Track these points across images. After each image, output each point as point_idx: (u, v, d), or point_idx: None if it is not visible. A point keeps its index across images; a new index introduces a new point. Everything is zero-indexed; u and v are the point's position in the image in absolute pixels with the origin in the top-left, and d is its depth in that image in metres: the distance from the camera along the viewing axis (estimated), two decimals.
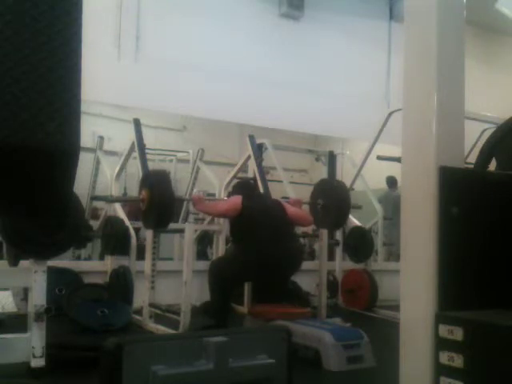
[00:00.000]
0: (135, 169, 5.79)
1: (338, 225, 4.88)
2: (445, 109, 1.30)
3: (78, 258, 6.18)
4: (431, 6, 1.32)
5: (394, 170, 6.64)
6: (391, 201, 7.76)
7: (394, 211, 7.41)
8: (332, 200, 4.67)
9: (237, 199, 4.15)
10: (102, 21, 6.81)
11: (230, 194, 4.50)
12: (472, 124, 4.30)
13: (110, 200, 5.10)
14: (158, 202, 3.91)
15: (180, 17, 7.68)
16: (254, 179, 5.39)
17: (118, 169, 5.20)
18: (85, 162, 5.90)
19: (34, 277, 2.82)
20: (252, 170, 5.53)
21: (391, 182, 8.18)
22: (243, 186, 4.51)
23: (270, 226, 4.03)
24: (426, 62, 1.32)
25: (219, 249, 5.19)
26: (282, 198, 5.16)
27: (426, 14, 1.35)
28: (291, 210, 4.30)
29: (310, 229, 7.27)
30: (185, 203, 6.33)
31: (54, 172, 0.77)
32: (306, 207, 5.05)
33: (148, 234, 4.49)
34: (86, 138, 5.76)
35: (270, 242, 3.96)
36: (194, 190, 6.46)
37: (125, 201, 4.64)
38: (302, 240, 7.65)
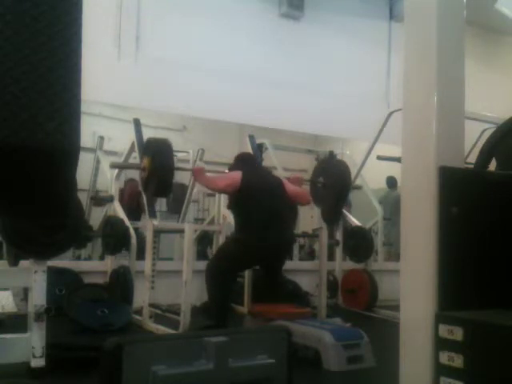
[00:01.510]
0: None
1: (338, 204, 4.76)
2: (445, 109, 1.30)
3: (78, 258, 6.19)
4: (431, 6, 1.32)
5: (394, 170, 6.63)
6: (391, 201, 7.77)
7: (392, 211, 7.42)
8: (333, 179, 4.57)
9: (236, 175, 4.07)
10: (101, 21, 6.80)
11: (230, 167, 4.37)
12: (472, 124, 4.29)
13: (109, 200, 5.10)
14: (159, 171, 3.92)
15: (180, 17, 7.68)
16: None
17: (118, 169, 5.20)
18: (85, 162, 5.91)
19: (34, 277, 2.81)
20: None
21: (391, 182, 8.19)
22: (244, 159, 4.40)
23: (268, 206, 3.98)
24: (426, 62, 1.32)
25: None
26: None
27: (426, 14, 1.35)
28: (291, 188, 4.23)
29: (309, 229, 7.30)
30: (185, 204, 6.33)
31: (54, 172, 0.77)
32: (306, 187, 4.93)
33: (148, 234, 4.49)
34: (86, 138, 5.76)
35: (267, 225, 3.94)
36: (194, 190, 6.46)
37: (126, 167, 4.58)
38: (302, 240, 7.68)
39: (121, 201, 5.29)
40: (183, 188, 6.62)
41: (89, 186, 5.87)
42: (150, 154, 4.04)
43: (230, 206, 4.30)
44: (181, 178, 6.45)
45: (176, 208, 6.85)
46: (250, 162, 4.37)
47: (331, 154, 6.76)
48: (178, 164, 7.83)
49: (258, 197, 4.00)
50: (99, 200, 5.74)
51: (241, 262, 4.11)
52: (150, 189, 4.12)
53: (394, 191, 8.09)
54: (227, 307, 4.14)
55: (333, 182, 4.56)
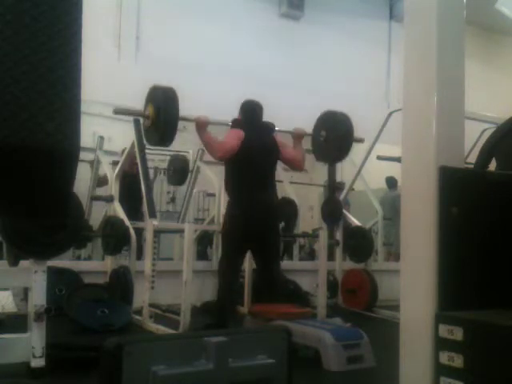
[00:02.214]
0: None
1: (339, 157, 4.62)
2: (445, 109, 1.30)
3: (78, 258, 6.19)
4: (431, 6, 1.32)
5: (394, 170, 6.63)
6: (390, 201, 7.77)
7: (391, 211, 7.42)
8: (335, 131, 4.40)
9: (237, 140, 3.97)
10: (101, 21, 6.81)
11: (233, 121, 4.23)
12: (472, 124, 4.29)
13: (109, 200, 5.10)
14: (164, 118, 3.78)
15: (180, 17, 7.68)
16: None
17: (117, 169, 5.20)
18: (85, 162, 5.91)
19: (34, 277, 2.81)
20: None
21: (391, 182, 8.19)
22: (247, 113, 4.26)
23: (260, 172, 4.01)
24: (426, 62, 1.32)
25: (219, 249, 5.19)
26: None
27: (426, 14, 1.35)
28: (287, 153, 4.19)
29: (309, 229, 7.30)
30: (184, 204, 6.33)
31: (54, 172, 0.78)
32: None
33: (148, 234, 4.49)
34: (86, 138, 5.76)
35: (257, 189, 3.97)
36: (194, 190, 6.46)
37: (129, 114, 4.47)
38: (302, 240, 7.68)
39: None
40: (184, 160, 6.64)
41: (89, 186, 5.87)
42: (155, 102, 3.88)
43: (225, 163, 4.22)
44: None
45: (176, 180, 6.85)
46: (254, 117, 4.22)
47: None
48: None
49: (253, 164, 3.98)
50: (101, 182, 5.77)
51: (238, 232, 4.00)
52: (154, 138, 3.97)
53: (393, 191, 8.08)
54: (229, 306, 4.12)
55: (335, 134, 4.39)
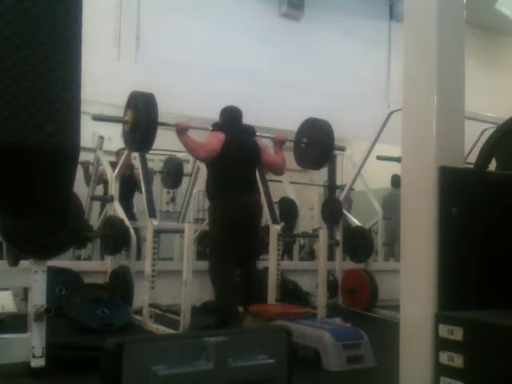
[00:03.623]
0: None
1: (320, 163, 4.73)
2: (445, 109, 1.30)
3: (78, 258, 6.18)
4: (431, 6, 1.32)
5: (394, 170, 6.63)
6: (396, 200, 7.73)
7: (395, 211, 7.40)
8: (316, 138, 4.54)
9: (218, 141, 4.06)
10: (101, 21, 6.81)
11: (215, 124, 4.32)
12: (472, 124, 4.29)
13: (109, 200, 5.10)
14: (142, 124, 3.82)
15: (180, 17, 7.68)
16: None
17: (117, 169, 5.20)
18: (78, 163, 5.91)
19: (34, 277, 2.81)
20: None
21: (397, 181, 8.14)
22: (228, 117, 4.32)
23: (242, 174, 4.09)
24: (426, 62, 1.32)
25: None
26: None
27: (426, 14, 1.35)
28: (268, 157, 4.28)
29: (309, 229, 7.30)
30: (184, 204, 6.33)
31: (54, 172, 0.78)
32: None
33: (148, 234, 4.49)
34: (86, 138, 5.76)
35: (239, 191, 4.05)
36: (194, 190, 6.45)
37: (108, 120, 4.52)
38: (302, 240, 7.68)
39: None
40: (179, 163, 6.64)
41: (89, 185, 5.87)
42: (134, 107, 3.93)
43: (207, 166, 4.33)
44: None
45: (170, 184, 6.86)
46: (234, 121, 4.30)
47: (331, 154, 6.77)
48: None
49: (235, 164, 4.06)
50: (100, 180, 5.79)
51: (223, 228, 4.06)
52: (133, 143, 4.02)
53: (398, 190, 8.05)
54: (229, 304, 4.11)
55: (316, 141, 4.53)
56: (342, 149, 5.07)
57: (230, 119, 4.31)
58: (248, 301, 4.10)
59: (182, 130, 4.08)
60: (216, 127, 4.27)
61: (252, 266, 4.26)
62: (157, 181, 7.35)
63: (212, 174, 4.24)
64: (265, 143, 4.47)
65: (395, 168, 5.80)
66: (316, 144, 4.51)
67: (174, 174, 6.68)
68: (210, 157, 4.07)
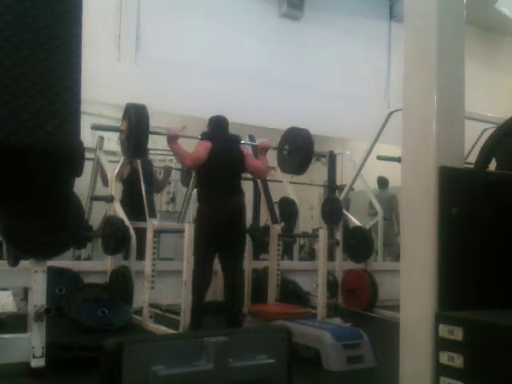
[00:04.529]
0: None
1: (301, 169, 5.14)
2: (445, 109, 1.30)
3: (78, 258, 6.18)
4: (431, 6, 1.32)
5: (394, 169, 6.62)
6: (385, 201, 7.73)
7: (387, 211, 7.41)
8: (297, 146, 4.99)
9: (205, 150, 4.34)
10: (101, 21, 6.81)
11: (203, 134, 4.64)
12: (472, 124, 4.29)
13: (109, 200, 5.10)
14: (135, 132, 4.25)
15: (180, 17, 7.68)
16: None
17: (117, 169, 5.20)
18: (85, 162, 5.89)
19: (34, 277, 2.81)
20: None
21: (382, 182, 8.15)
22: (215, 127, 4.59)
23: (226, 180, 4.39)
24: (426, 62, 1.32)
25: None
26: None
27: (426, 14, 1.35)
28: (251, 163, 4.53)
29: (309, 229, 7.30)
30: (184, 204, 6.32)
31: (54, 172, 0.77)
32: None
33: (148, 234, 4.49)
34: (86, 138, 5.76)
35: (223, 195, 4.34)
36: (195, 190, 6.44)
37: (107, 129, 5.00)
38: (302, 240, 7.68)
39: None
40: None
41: (89, 186, 5.86)
42: (128, 118, 4.36)
43: (195, 172, 4.70)
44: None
45: (187, 181, 6.88)
46: (221, 130, 4.59)
47: (331, 154, 6.79)
48: (177, 164, 7.82)
49: (220, 170, 4.36)
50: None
51: (206, 228, 4.23)
52: (128, 150, 4.43)
53: (384, 191, 8.06)
54: (198, 310, 4.14)
55: (297, 148, 5.00)
56: (323, 155, 5.57)
57: (217, 128, 4.62)
58: (233, 302, 4.17)
59: (171, 138, 4.37)
60: (204, 136, 4.60)
61: (236, 267, 4.42)
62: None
63: (199, 179, 4.58)
64: (248, 150, 4.78)
65: (395, 168, 5.80)
66: (297, 151, 4.97)
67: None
68: (196, 164, 4.38)
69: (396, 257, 7.17)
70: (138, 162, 5.07)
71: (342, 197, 6.13)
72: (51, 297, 3.19)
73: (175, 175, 7.68)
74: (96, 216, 5.82)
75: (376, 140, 5.68)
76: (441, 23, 1.31)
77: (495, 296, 1.30)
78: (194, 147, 4.46)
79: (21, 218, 1.77)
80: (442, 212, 1.24)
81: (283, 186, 6.62)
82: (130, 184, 5.40)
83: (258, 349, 1.67)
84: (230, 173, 4.43)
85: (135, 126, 4.26)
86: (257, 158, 4.61)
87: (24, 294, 3.95)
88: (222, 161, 4.38)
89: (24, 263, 3.02)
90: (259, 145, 4.75)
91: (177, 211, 7.16)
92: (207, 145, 4.40)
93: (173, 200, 7.97)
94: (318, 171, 7.73)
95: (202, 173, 4.47)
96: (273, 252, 4.95)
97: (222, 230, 4.22)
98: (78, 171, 0.80)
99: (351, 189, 6.34)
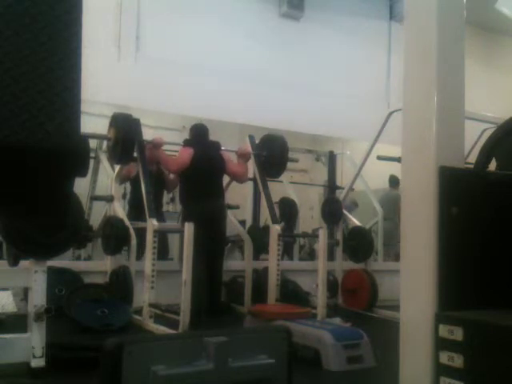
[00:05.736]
0: None
1: (278, 173, 5.53)
2: (445, 109, 1.30)
3: (78, 258, 6.18)
4: (431, 6, 1.32)
5: (394, 170, 6.63)
6: (392, 200, 7.73)
7: (392, 210, 7.41)
8: (273, 152, 5.38)
9: (187, 156, 4.72)
10: (101, 21, 6.81)
11: (185, 141, 4.99)
12: (472, 124, 4.29)
13: (109, 200, 5.10)
14: (121, 140, 4.46)
15: (180, 17, 7.68)
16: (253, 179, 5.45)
17: (117, 169, 5.19)
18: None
19: (34, 277, 2.81)
20: (252, 169, 5.54)
21: (394, 180, 8.13)
22: (197, 134, 4.98)
23: (208, 184, 4.76)
24: (426, 62, 1.32)
25: None
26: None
27: (426, 14, 1.35)
28: (231, 168, 4.97)
29: (309, 229, 7.29)
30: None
31: (54, 172, 0.77)
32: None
33: (148, 234, 4.49)
34: None
35: (206, 197, 4.72)
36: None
37: (95, 137, 5.17)
38: (302, 240, 7.68)
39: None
40: None
41: (89, 186, 5.86)
42: (115, 126, 4.55)
43: (179, 176, 5.02)
44: None
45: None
46: (202, 137, 4.95)
47: (331, 154, 6.80)
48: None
49: (202, 175, 4.73)
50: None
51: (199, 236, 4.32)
52: (115, 156, 4.68)
53: (394, 190, 8.05)
54: (200, 313, 4.25)
55: (272, 154, 5.39)
56: (295, 160, 5.91)
57: (198, 136, 4.98)
58: (212, 301, 4.30)
59: (156, 146, 4.71)
60: (186, 143, 4.95)
61: (217, 267, 4.74)
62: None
63: (183, 183, 4.91)
64: (229, 156, 5.12)
65: (395, 168, 5.80)
66: (273, 157, 5.38)
67: None
68: (180, 169, 4.74)
69: (396, 257, 7.16)
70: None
71: (342, 197, 6.13)
72: (51, 297, 3.19)
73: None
74: (96, 216, 5.81)
75: (376, 140, 5.68)
76: (441, 23, 1.31)
77: (495, 296, 1.30)
78: (178, 153, 4.81)
79: (21, 218, 1.77)
80: (442, 212, 1.24)
81: (283, 186, 6.62)
82: (138, 183, 5.35)
83: (257, 349, 1.67)
84: (211, 176, 4.80)
85: (122, 134, 4.47)
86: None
87: (24, 294, 3.95)
88: (204, 165, 4.73)
89: (24, 263, 3.02)
90: (238, 151, 5.12)
91: (177, 211, 7.16)
92: (190, 151, 4.75)
93: (173, 200, 7.97)
94: (318, 171, 7.73)
95: (185, 176, 4.80)
96: (273, 252, 4.95)
97: (205, 229, 4.39)
98: (83, 171, 0.80)
99: (351, 189, 6.33)
